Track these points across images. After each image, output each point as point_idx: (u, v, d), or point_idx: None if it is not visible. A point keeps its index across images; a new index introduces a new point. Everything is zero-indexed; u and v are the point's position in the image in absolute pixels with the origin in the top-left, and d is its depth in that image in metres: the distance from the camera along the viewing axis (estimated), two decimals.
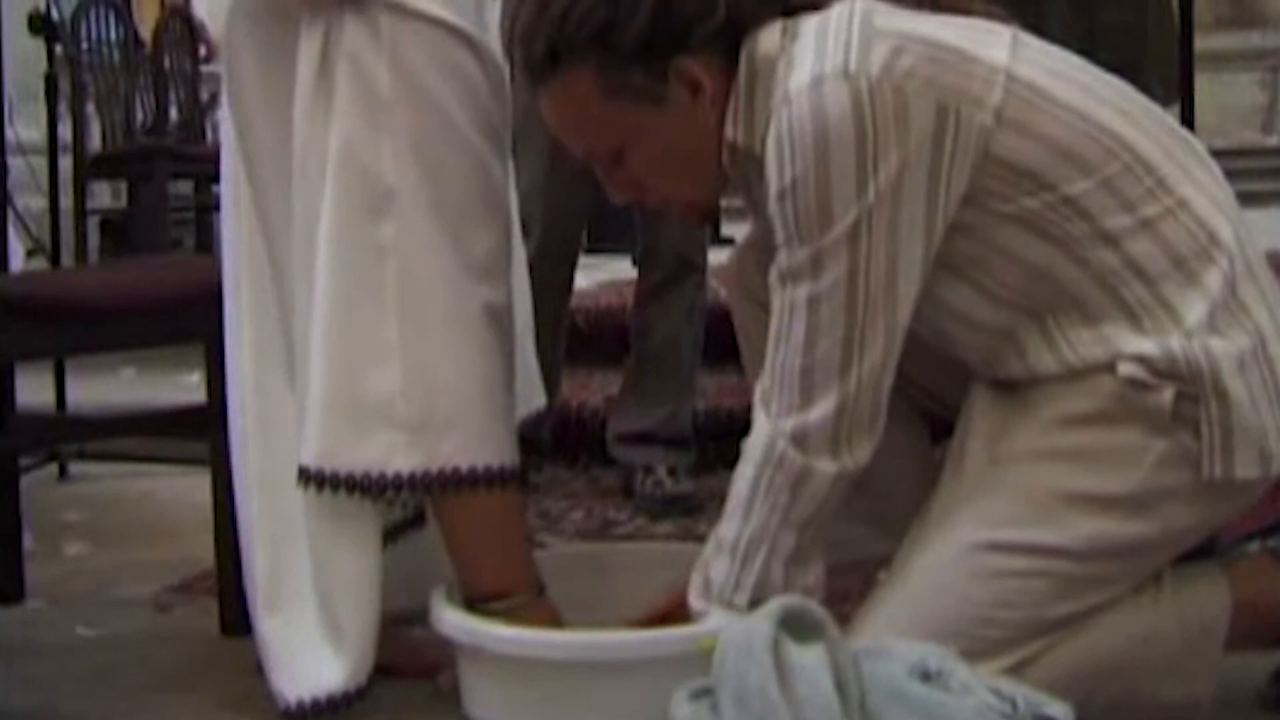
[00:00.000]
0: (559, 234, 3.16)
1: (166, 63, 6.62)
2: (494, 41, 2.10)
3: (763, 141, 1.72)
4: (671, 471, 3.29)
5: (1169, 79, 2.97)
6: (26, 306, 2.37)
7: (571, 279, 3.31)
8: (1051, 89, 1.74)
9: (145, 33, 6.81)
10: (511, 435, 2.06)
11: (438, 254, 1.98)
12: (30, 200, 5.28)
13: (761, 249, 1.90)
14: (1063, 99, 1.74)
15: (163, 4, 9.11)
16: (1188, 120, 3.41)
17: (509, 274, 2.10)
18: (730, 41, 1.79)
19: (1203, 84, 3.50)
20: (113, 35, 6.48)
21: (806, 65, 1.68)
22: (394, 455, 1.97)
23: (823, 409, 1.72)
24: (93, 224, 6.52)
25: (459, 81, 2.00)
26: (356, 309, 1.97)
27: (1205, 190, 1.76)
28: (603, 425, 3.49)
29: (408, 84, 1.96)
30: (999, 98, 1.70)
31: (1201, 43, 3.17)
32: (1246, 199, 1.86)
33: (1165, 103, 2.77)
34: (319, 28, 1.99)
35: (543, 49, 1.82)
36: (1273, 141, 10.24)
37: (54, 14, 4.76)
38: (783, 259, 1.71)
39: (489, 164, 2.04)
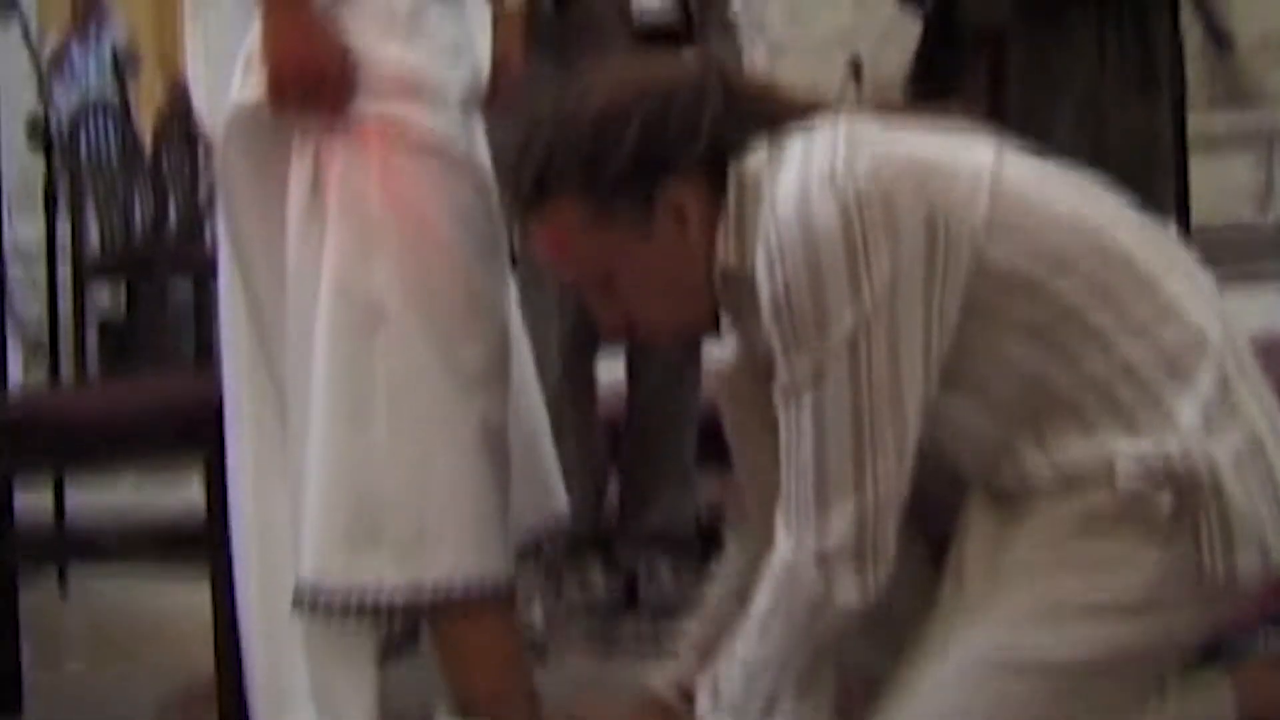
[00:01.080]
0: (571, 327, 3.13)
1: (165, 163, 6.66)
2: (482, 154, 2.12)
3: (754, 263, 1.72)
4: (675, 572, 3.26)
5: (1171, 190, 2.99)
6: (28, 431, 2.38)
7: (592, 373, 3.28)
8: (1038, 197, 1.74)
9: (145, 132, 6.88)
10: (506, 549, 2.07)
11: (428, 370, 2.00)
12: (29, 306, 5.30)
13: (750, 375, 1.90)
14: (1050, 207, 1.74)
15: (159, 112, 9.22)
16: (1183, 200, 3.43)
17: (505, 385, 2.11)
18: (716, 165, 1.80)
19: (1198, 163, 3.51)
20: (111, 137, 6.53)
21: (793, 176, 1.69)
22: (386, 571, 1.98)
23: (840, 526, 1.70)
24: (92, 327, 6.54)
25: (448, 197, 2.04)
26: (350, 425, 1.99)
27: (1194, 292, 1.76)
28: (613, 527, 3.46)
29: (397, 203, 2.00)
30: (986, 207, 1.70)
31: (1196, 122, 3.19)
32: (1242, 278, 1.86)
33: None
34: (310, 147, 2.03)
35: (529, 180, 1.83)
36: (1269, 220, 10.25)
37: (52, 119, 4.77)
38: (783, 374, 1.71)
39: (479, 278, 2.07)
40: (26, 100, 4.90)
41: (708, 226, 1.80)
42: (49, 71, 7.83)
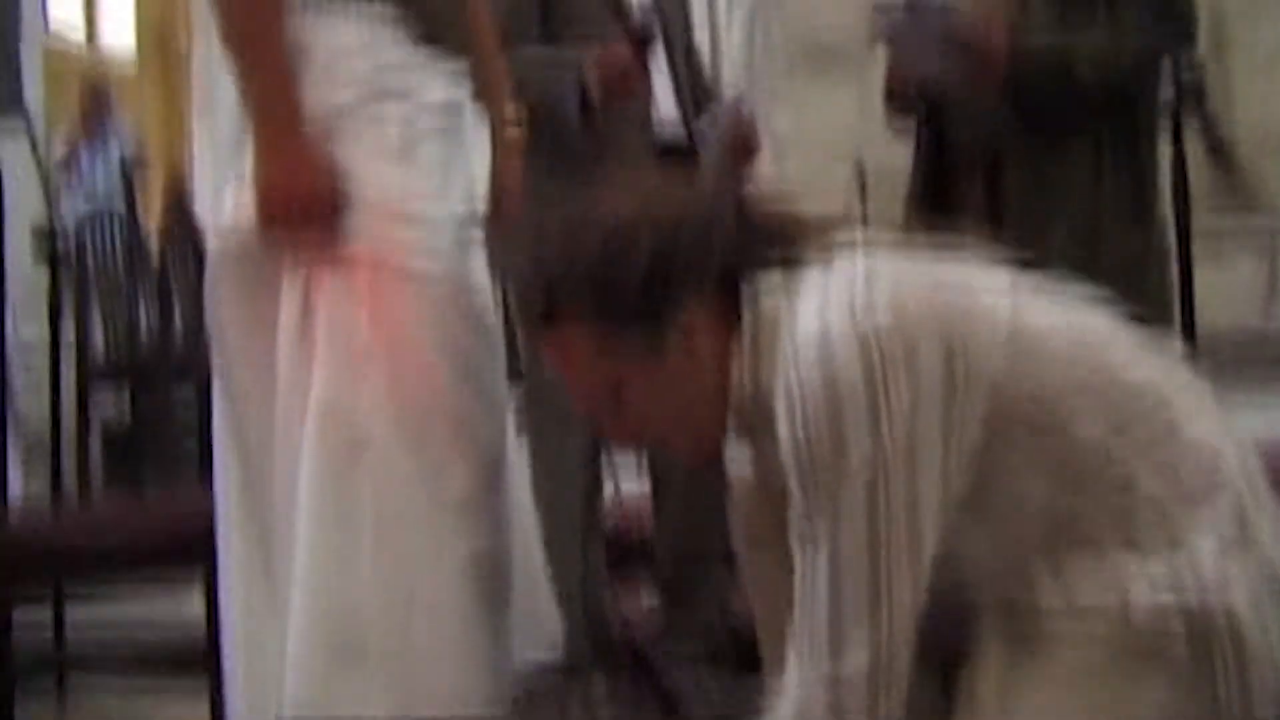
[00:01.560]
0: (586, 439, 3.10)
1: (171, 268, 6.66)
2: (475, 277, 2.11)
3: (770, 393, 1.71)
4: (713, 684, 3.20)
5: (1170, 310, 2.99)
6: (27, 549, 2.37)
7: (598, 480, 3.24)
8: (1055, 330, 1.73)
9: (152, 235, 6.90)
10: (498, 682, 2.04)
11: (414, 497, 2.00)
12: (32, 410, 5.28)
13: (763, 492, 1.88)
14: (1066, 339, 1.73)
15: (164, 215, 9.26)
16: (1188, 304, 3.42)
17: (495, 511, 2.10)
18: (729, 288, 1.79)
19: (1201, 266, 3.51)
20: (117, 243, 6.53)
21: (812, 313, 1.68)
22: (370, 701, 1.95)
23: (855, 658, 1.67)
24: (95, 432, 6.50)
25: (436, 324, 2.05)
26: (334, 553, 1.98)
27: (1209, 419, 1.75)
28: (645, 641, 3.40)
29: (385, 330, 2.00)
30: (1005, 341, 1.69)
31: (1199, 224, 3.19)
32: (1246, 382, 1.85)
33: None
34: (300, 272, 2.01)
35: (539, 301, 1.82)
36: (1273, 325, 10.26)
37: (58, 226, 4.76)
38: (799, 510, 1.68)
39: (466, 404, 2.07)
40: (34, 207, 4.92)
41: (720, 349, 1.79)
42: (57, 175, 7.91)
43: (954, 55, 2.90)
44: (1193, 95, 2.83)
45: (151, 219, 8.88)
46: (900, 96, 3.10)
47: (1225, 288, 9.76)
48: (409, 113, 2.08)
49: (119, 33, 14.02)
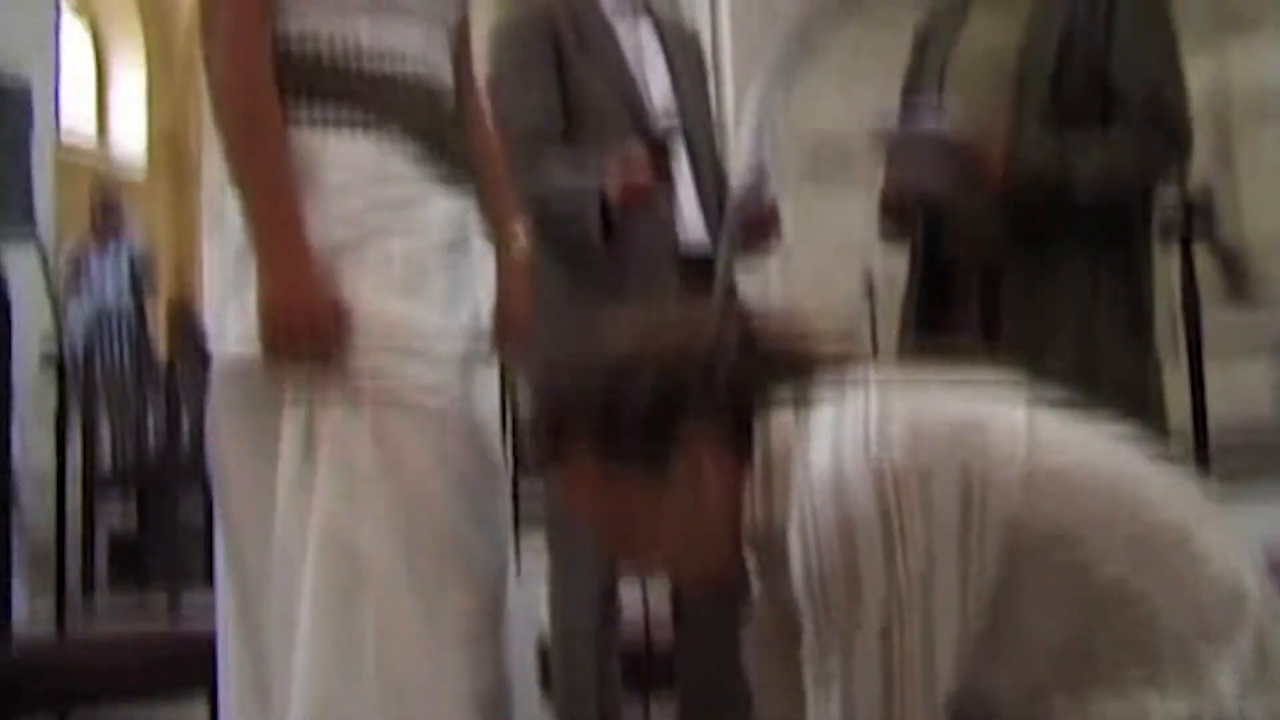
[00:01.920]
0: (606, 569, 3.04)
1: (179, 374, 6.67)
2: (480, 405, 2.12)
3: (783, 527, 1.68)
4: None
5: (1165, 423, 2.96)
6: (30, 679, 2.34)
7: (614, 592, 3.18)
8: (1071, 458, 1.70)
9: (160, 339, 6.92)
10: None
11: (416, 633, 1.97)
12: (38, 520, 5.25)
13: (776, 623, 1.85)
14: (1082, 471, 1.70)
15: (174, 319, 9.28)
16: (1199, 402, 3.40)
17: (498, 642, 2.07)
18: (739, 420, 1.76)
19: (1210, 363, 3.50)
20: (125, 349, 6.55)
21: (825, 447, 1.65)
22: None
23: None
24: (101, 541, 6.48)
25: (439, 454, 2.02)
26: (336, 687, 1.95)
27: (1227, 543, 1.71)
28: None
29: (388, 459, 1.98)
30: (1021, 473, 1.65)
31: (1209, 320, 3.17)
32: (1256, 479, 1.81)
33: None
34: (303, 399, 2.00)
35: (545, 429, 1.80)
36: None
37: (66, 334, 4.75)
38: (813, 652, 1.65)
39: (469, 535, 2.05)
40: (42, 317, 4.91)
41: (730, 480, 1.76)
42: (65, 281, 7.94)
43: (951, 170, 2.89)
44: (1203, 219, 2.81)
45: (160, 324, 8.93)
46: (896, 210, 3.10)
47: (1235, 385, 9.74)
48: (413, 242, 2.07)
49: (131, 136, 14.16)
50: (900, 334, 3.14)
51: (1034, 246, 2.92)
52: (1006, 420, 1.70)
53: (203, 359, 6.74)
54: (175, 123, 14.05)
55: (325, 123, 2.08)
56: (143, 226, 10.95)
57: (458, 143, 2.21)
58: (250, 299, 2.02)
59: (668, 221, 2.98)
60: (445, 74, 2.23)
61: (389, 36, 2.12)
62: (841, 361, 1.79)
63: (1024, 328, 2.91)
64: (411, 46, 2.15)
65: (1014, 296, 2.93)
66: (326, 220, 2.03)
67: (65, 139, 10.62)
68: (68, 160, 9.55)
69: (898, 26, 3.46)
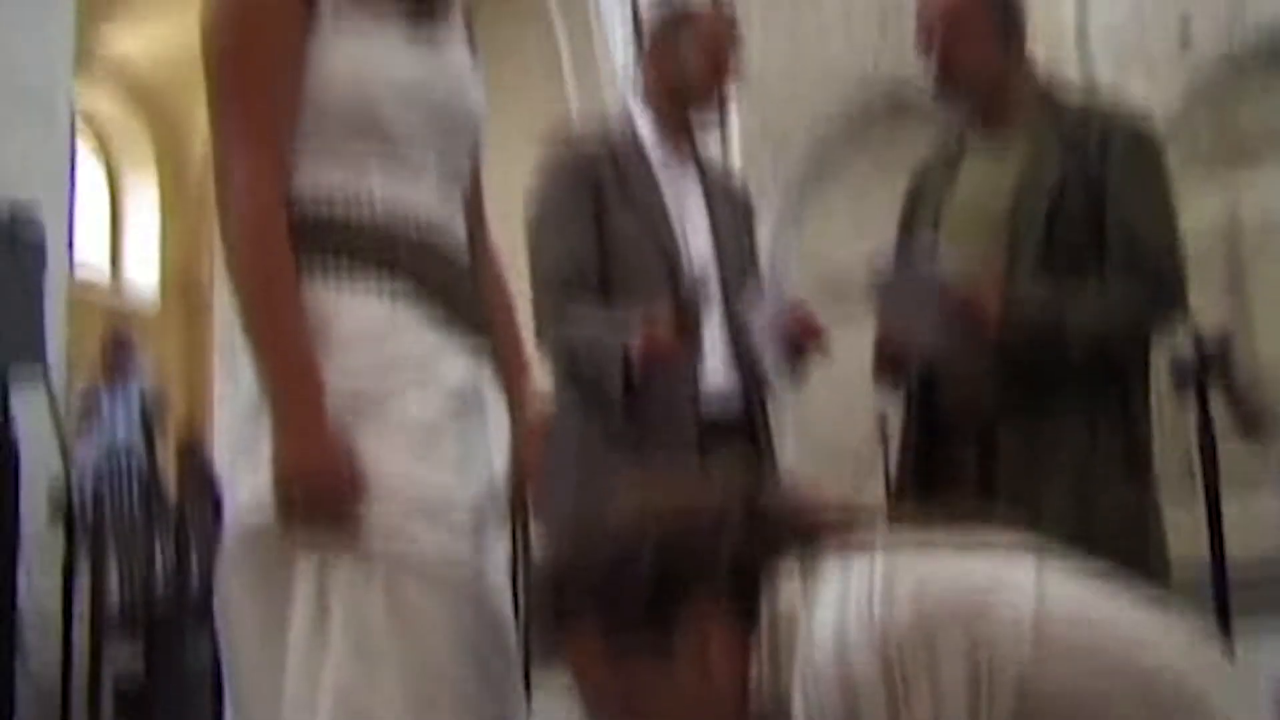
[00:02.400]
0: None
1: (188, 514, 6.63)
2: (494, 570, 2.09)
3: (788, 694, 1.64)
4: None
5: (1167, 568, 2.93)
6: None
7: None
8: (1081, 620, 1.66)
9: (170, 475, 6.89)
10: None
11: None
12: (45, 665, 5.18)
13: None
14: (1091, 627, 1.66)
15: (182, 460, 9.26)
16: (1217, 539, 3.36)
17: None
18: (744, 588, 1.73)
19: (1228, 496, 3.48)
20: (135, 488, 6.52)
21: (829, 610, 1.62)
22: None
23: None
24: (108, 686, 6.40)
25: (452, 621, 1.99)
26: None
27: (1238, 704, 1.67)
28: None
29: (401, 625, 1.94)
30: (1030, 637, 1.62)
31: (1225, 453, 3.13)
32: (1276, 612, 1.76)
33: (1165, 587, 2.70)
34: (315, 565, 1.97)
35: (549, 611, 1.78)
36: None
37: (75, 475, 4.71)
38: None
39: (480, 703, 2.02)
40: (50, 460, 4.88)
41: (735, 649, 1.72)
42: (75, 419, 7.92)
43: (945, 321, 2.87)
44: (1219, 365, 2.79)
45: (170, 465, 8.90)
46: (891, 362, 3.07)
47: (1252, 519, 9.66)
48: (426, 402, 2.04)
49: (144, 272, 14.24)
50: (897, 485, 3.12)
51: (1030, 396, 2.92)
52: (1013, 581, 1.67)
53: (213, 500, 6.71)
54: (189, 259, 14.13)
55: (339, 280, 2.06)
56: (154, 362, 10.98)
57: (472, 299, 2.19)
58: (262, 455, 1.99)
59: (689, 379, 2.96)
60: (458, 227, 2.22)
61: (401, 190, 2.11)
62: (847, 529, 1.76)
63: (1022, 480, 2.90)
64: (424, 200, 2.14)
65: (1011, 448, 2.92)
66: (339, 380, 2.00)
67: (78, 274, 10.66)
68: (80, 294, 9.58)
69: (906, 160, 3.46)
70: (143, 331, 11.86)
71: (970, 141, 3.15)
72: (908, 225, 3.20)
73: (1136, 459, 2.98)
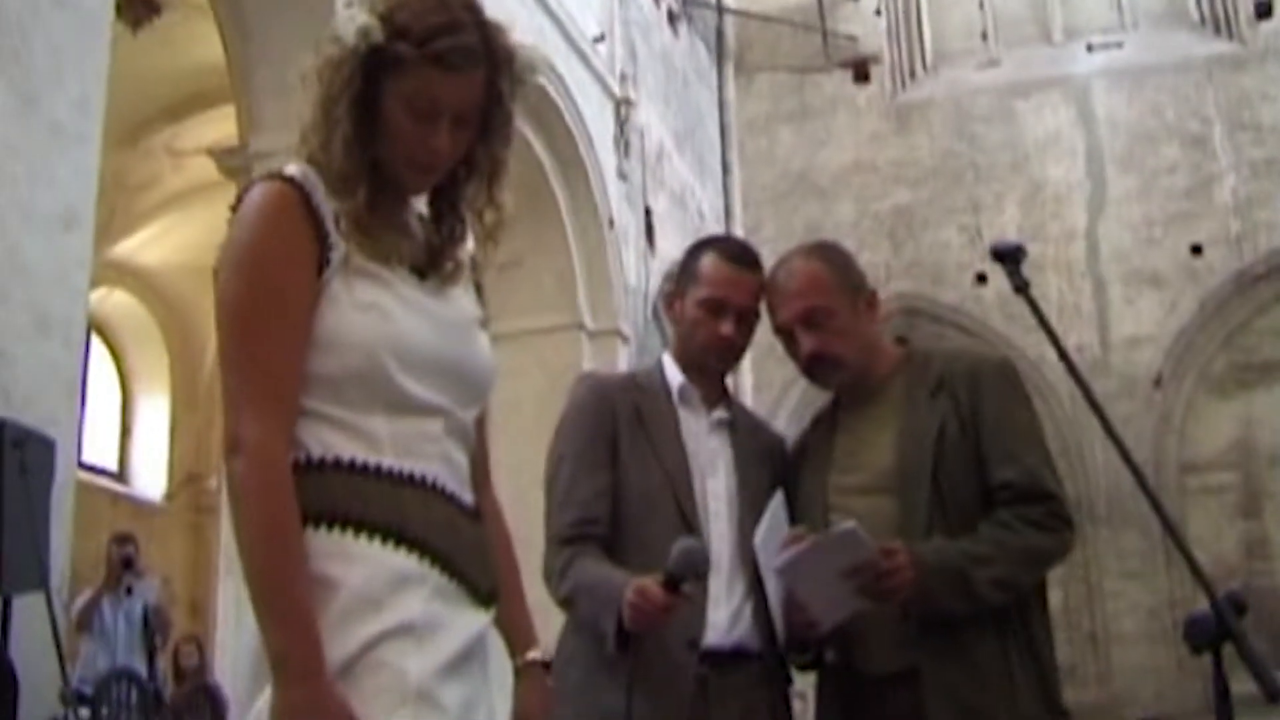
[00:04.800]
0: None
1: None
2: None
3: None
4: None
5: None
6: None
7: None
8: None
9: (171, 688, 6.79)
10: None
11: None
12: None
13: None
14: None
15: (177, 673, 9.12)
16: None
17: None
18: None
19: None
20: (133, 703, 6.43)
21: None
22: None
23: None
24: None
25: None
26: None
27: None
28: None
29: None
30: None
31: (1239, 686, 3.08)
32: None
33: None
34: None
35: None
36: None
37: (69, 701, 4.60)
38: None
39: None
40: (50, 668, 4.79)
41: None
42: (77, 622, 7.83)
43: (862, 587, 2.89)
44: (1233, 627, 2.75)
45: (171, 675, 8.77)
46: (801, 639, 3.07)
47: None
48: (428, 659, 2.01)
49: (153, 472, 14.24)
50: None
51: (946, 640, 2.94)
52: None
53: (213, 705, 6.63)
54: (197, 462, 14.14)
55: (343, 531, 2.04)
56: (159, 561, 10.89)
57: (478, 558, 2.17)
58: (262, 706, 1.97)
59: (690, 622, 2.94)
60: (463, 472, 2.21)
61: (409, 451, 2.11)
62: None
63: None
64: (430, 444, 2.13)
65: (938, 693, 2.92)
66: (341, 635, 1.98)
67: (86, 476, 10.65)
68: (88, 498, 9.55)
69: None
70: (149, 531, 11.82)
71: (847, 404, 3.23)
72: (793, 479, 3.23)
73: (1048, 689, 3.02)
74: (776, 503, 3.06)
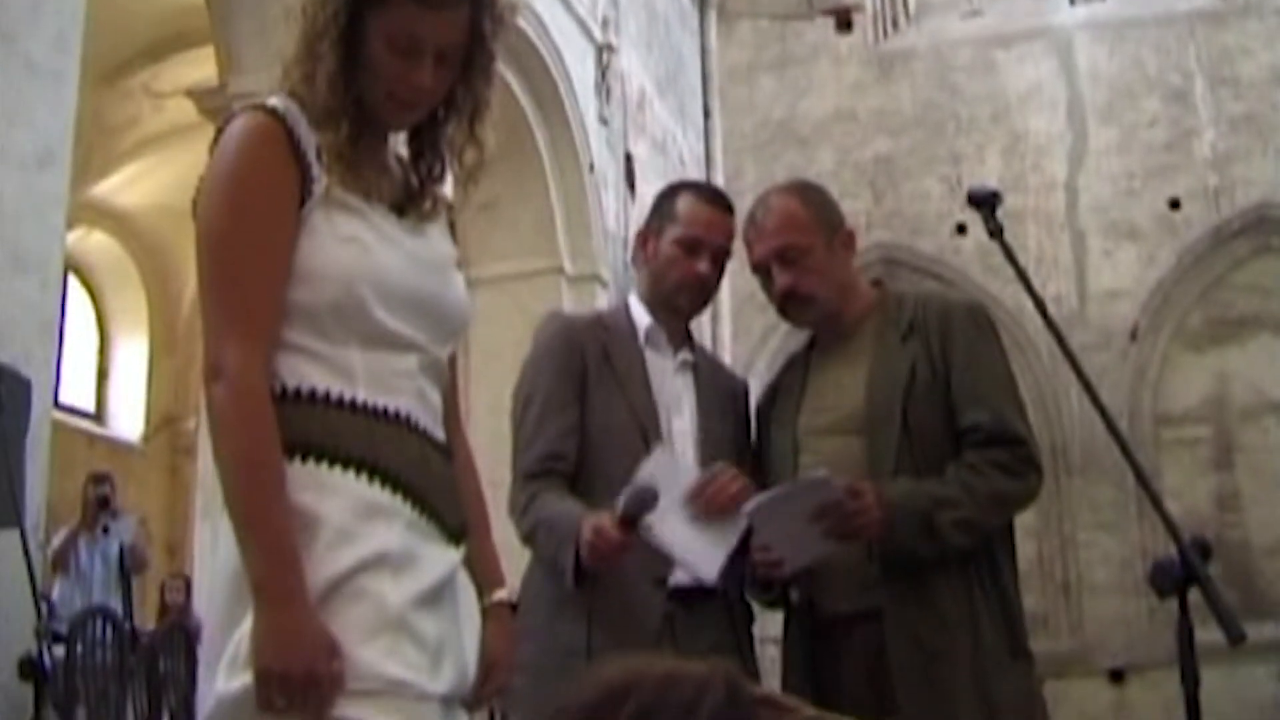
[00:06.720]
0: None
1: (162, 666, 6.55)
2: None
3: None
4: None
5: None
6: None
7: None
8: None
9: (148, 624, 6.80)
10: None
11: None
12: None
13: None
14: None
15: (162, 609, 9.15)
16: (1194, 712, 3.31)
17: None
18: None
19: (1215, 677, 3.43)
20: (109, 641, 6.43)
21: None
22: None
23: None
24: None
25: None
26: None
27: None
28: None
29: None
30: None
31: (1207, 635, 3.10)
32: None
33: None
34: None
35: None
36: None
37: (43, 641, 4.57)
38: None
39: None
40: (24, 609, 4.80)
41: None
42: (53, 561, 7.84)
43: (829, 530, 2.91)
44: (1206, 586, 2.77)
45: (149, 610, 8.79)
46: (765, 580, 3.09)
47: (1241, 698, 9.57)
48: (402, 589, 2.04)
49: (129, 417, 14.21)
50: (786, 684, 3.12)
51: (910, 587, 2.98)
52: None
53: (189, 646, 6.64)
54: (174, 401, 14.11)
55: (317, 462, 2.07)
56: (136, 502, 10.89)
57: (448, 493, 2.20)
58: (243, 634, 1.99)
59: (657, 559, 2.96)
60: (436, 409, 2.24)
61: (384, 384, 2.13)
62: None
63: (912, 669, 2.95)
64: (405, 380, 2.16)
65: (898, 640, 2.96)
66: (317, 569, 2.01)
67: (63, 417, 10.63)
68: (65, 439, 9.53)
69: None
70: (127, 472, 11.82)
71: (820, 345, 3.27)
72: (764, 420, 3.28)
73: (1013, 632, 3.05)
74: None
